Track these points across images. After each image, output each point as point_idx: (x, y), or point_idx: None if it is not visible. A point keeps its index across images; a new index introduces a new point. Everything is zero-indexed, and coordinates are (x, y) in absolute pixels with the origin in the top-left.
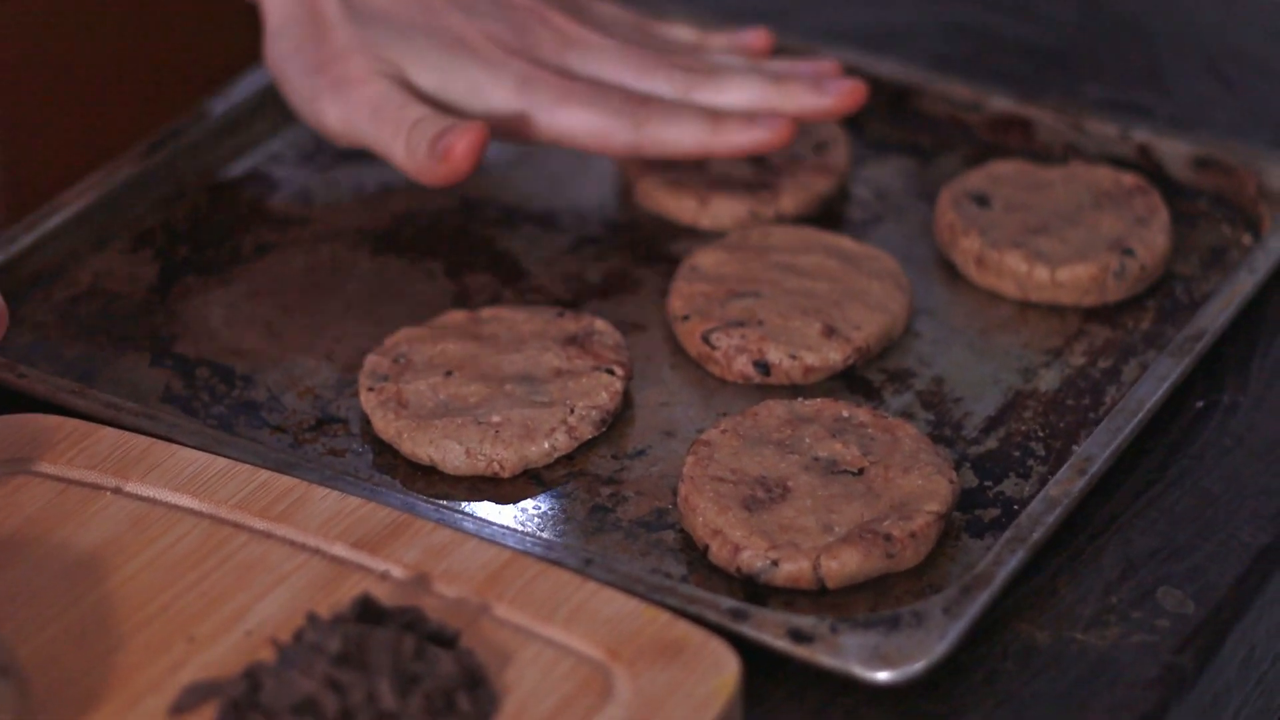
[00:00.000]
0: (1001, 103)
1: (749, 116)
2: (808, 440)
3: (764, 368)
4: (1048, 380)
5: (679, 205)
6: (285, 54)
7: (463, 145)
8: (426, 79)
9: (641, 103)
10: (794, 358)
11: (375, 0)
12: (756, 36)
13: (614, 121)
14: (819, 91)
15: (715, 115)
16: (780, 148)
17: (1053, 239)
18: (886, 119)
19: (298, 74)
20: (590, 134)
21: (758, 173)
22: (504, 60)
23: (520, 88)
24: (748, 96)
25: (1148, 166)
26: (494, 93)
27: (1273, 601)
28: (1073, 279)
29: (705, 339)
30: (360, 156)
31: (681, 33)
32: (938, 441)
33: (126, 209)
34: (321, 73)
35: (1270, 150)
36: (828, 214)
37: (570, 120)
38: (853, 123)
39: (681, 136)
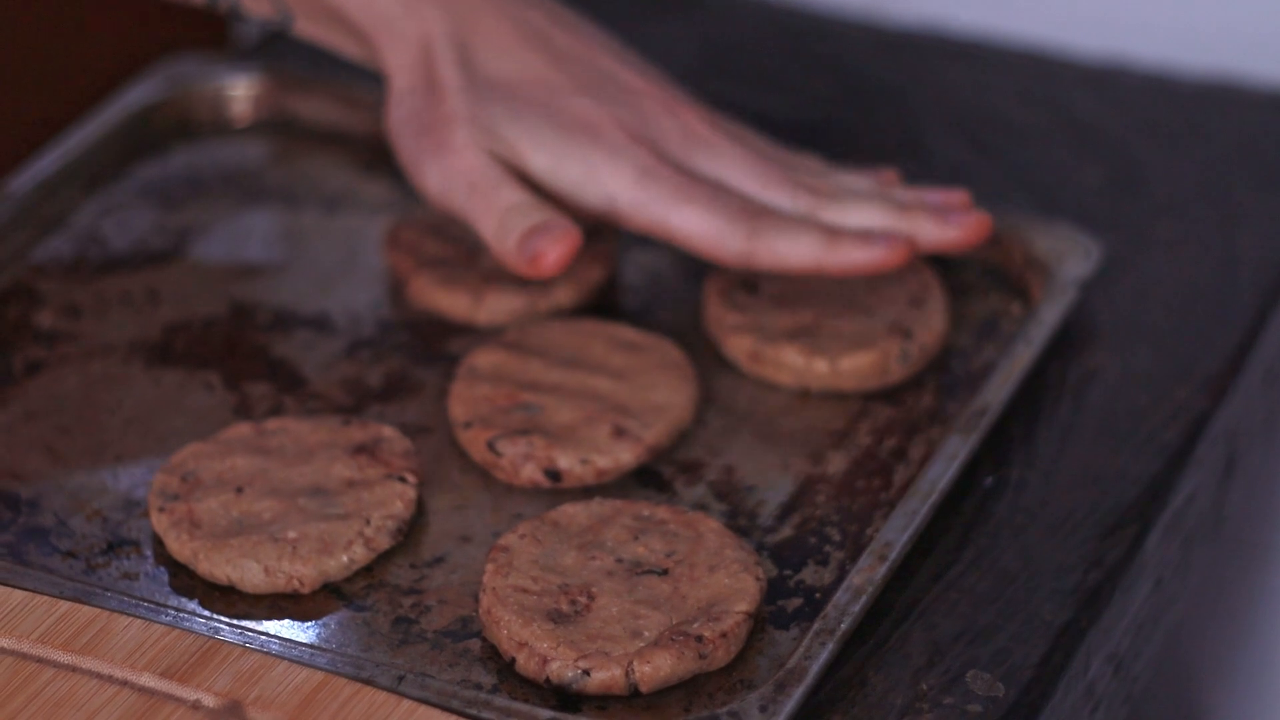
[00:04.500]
0: None
1: (865, 235)
2: (609, 542)
3: (554, 475)
4: (836, 463)
5: (452, 302)
6: (402, 119)
7: (554, 255)
8: (539, 161)
9: (759, 213)
10: (585, 462)
11: (498, 75)
12: (886, 174)
13: (729, 227)
14: (943, 223)
15: (831, 231)
16: (895, 268)
17: (828, 328)
18: None
19: (409, 137)
20: (703, 236)
21: None
22: (627, 146)
23: (639, 179)
24: (870, 221)
25: None
26: (611, 180)
27: (1077, 678)
28: (854, 368)
29: (490, 447)
30: (127, 265)
31: (811, 162)
32: (734, 531)
33: None
34: (427, 135)
35: (1034, 218)
36: (603, 302)
37: (685, 220)
38: None
39: (795, 249)
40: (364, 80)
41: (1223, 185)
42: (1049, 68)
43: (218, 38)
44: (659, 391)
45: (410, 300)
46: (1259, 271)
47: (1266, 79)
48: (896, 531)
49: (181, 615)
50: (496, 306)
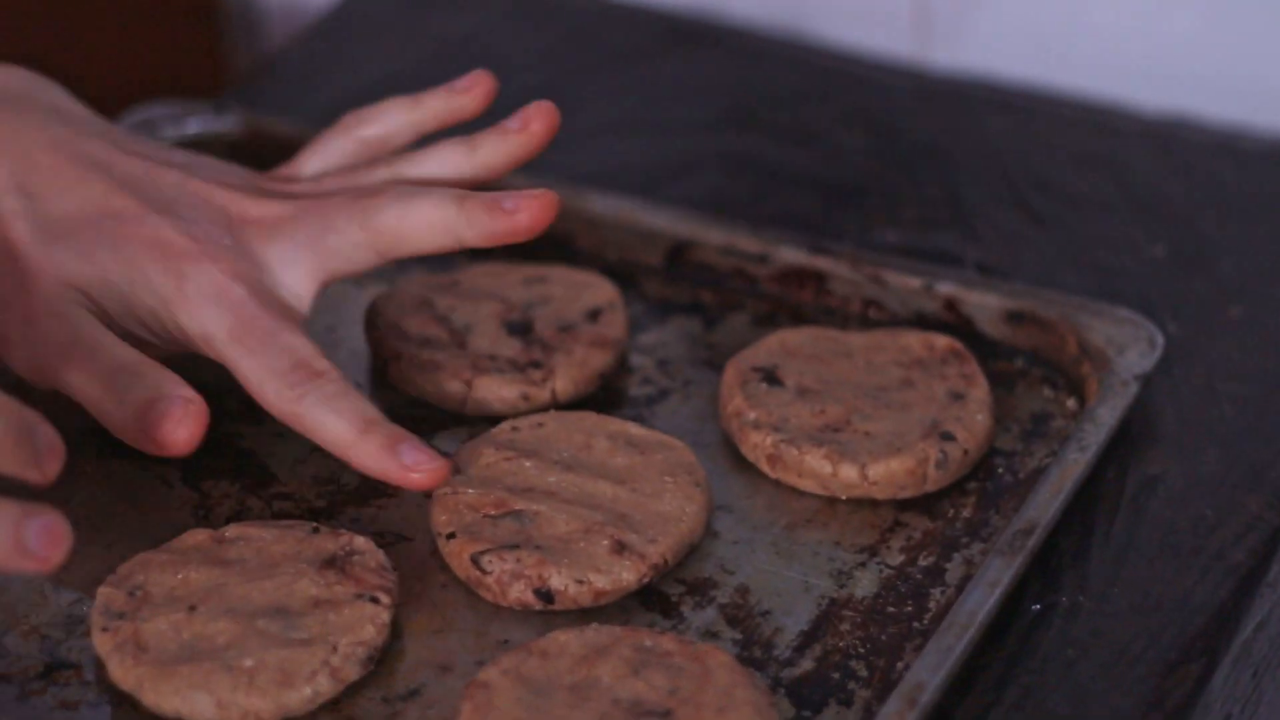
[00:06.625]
0: (791, 254)
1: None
2: (605, 679)
3: (546, 595)
4: (864, 584)
5: (440, 390)
6: None
7: (184, 436)
8: (111, 303)
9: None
10: (581, 582)
11: (64, 214)
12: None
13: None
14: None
15: (459, 195)
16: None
17: (858, 429)
18: (664, 276)
19: None
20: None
21: (526, 349)
22: (202, 272)
23: (220, 313)
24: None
25: (956, 323)
26: (185, 316)
27: None
28: (887, 476)
29: (475, 562)
30: None
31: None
32: (747, 664)
33: None
34: (7, 308)
35: (1091, 301)
36: (607, 391)
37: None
38: (628, 282)
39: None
40: None
41: None
42: (1106, 125)
43: (211, 81)
44: (666, 500)
45: (392, 385)
46: None
47: None
48: (929, 670)
49: None
50: (488, 395)
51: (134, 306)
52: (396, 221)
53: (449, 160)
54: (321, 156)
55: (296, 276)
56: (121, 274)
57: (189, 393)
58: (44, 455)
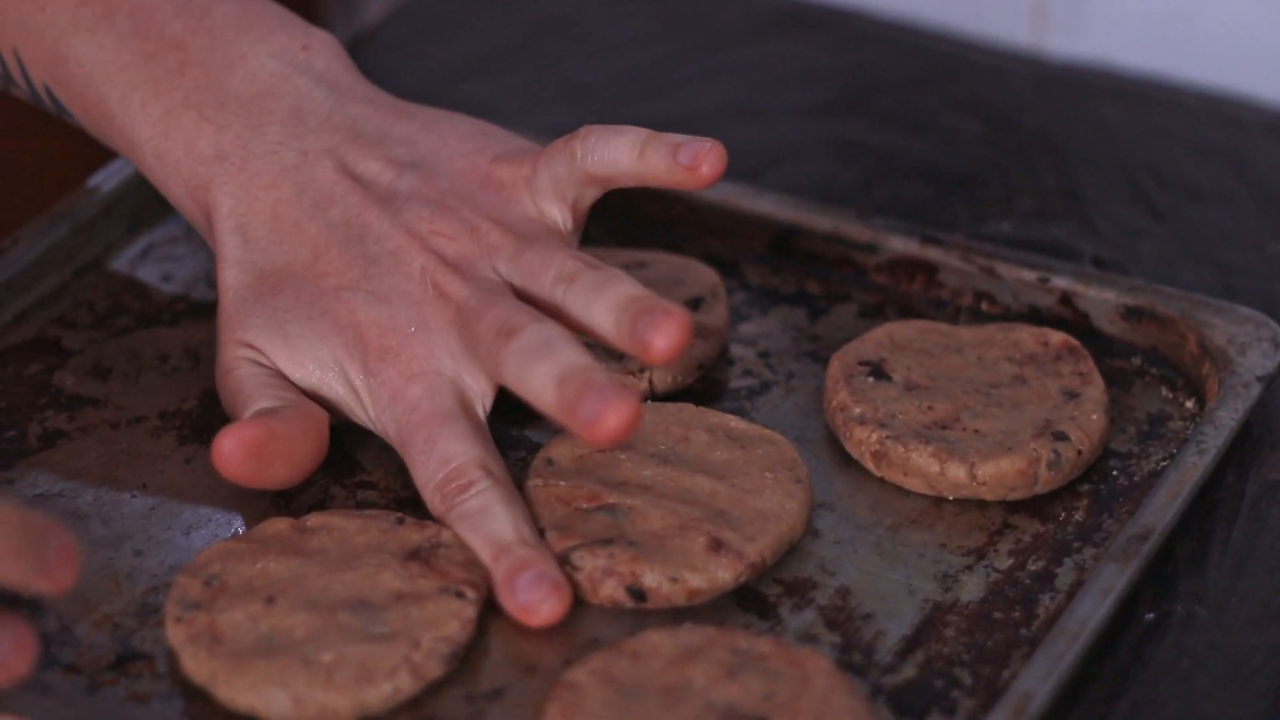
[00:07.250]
0: (901, 244)
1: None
2: (699, 682)
3: (639, 594)
4: (970, 589)
5: None
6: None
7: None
8: (298, 378)
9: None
10: (675, 580)
11: (269, 267)
12: None
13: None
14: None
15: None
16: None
17: (968, 426)
18: (768, 264)
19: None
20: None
21: None
22: (377, 361)
23: (395, 413)
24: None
25: (1072, 318)
26: (363, 412)
27: None
28: (997, 476)
29: (565, 558)
30: (162, 320)
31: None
32: (847, 669)
33: None
34: (216, 361)
35: (1212, 299)
36: (706, 383)
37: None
38: (730, 270)
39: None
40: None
41: None
42: (1228, 116)
43: None
44: (766, 496)
45: None
46: None
47: None
48: (1037, 679)
49: None
50: None
51: (319, 387)
52: (514, 381)
53: (617, 290)
54: (550, 173)
55: (477, 371)
56: (309, 350)
57: (295, 433)
58: (55, 563)
